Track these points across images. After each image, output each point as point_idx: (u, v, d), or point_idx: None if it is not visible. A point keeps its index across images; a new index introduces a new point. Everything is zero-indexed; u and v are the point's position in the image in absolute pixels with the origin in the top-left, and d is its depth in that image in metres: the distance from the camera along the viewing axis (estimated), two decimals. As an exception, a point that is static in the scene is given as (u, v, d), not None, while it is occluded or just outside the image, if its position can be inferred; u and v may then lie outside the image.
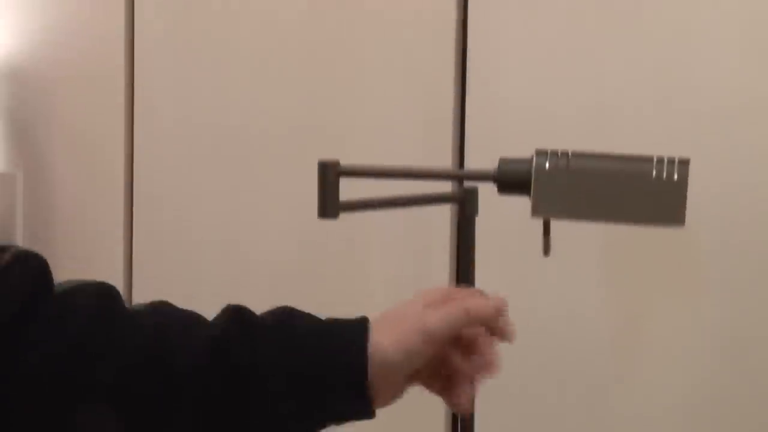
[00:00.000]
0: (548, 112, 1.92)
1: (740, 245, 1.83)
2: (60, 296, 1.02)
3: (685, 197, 1.14)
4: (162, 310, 1.05)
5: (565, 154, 1.24)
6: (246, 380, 1.00)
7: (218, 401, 1.01)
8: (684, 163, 1.14)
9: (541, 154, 1.28)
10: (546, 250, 1.25)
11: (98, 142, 2.24)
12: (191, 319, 1.05)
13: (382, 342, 1.01)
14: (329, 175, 1.35)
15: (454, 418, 1.93)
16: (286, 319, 1.04)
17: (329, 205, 1.36)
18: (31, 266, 1.03)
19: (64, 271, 2.33)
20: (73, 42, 2.24)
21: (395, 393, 1.04)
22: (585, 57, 1.91)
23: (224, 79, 2.16)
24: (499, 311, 1.04)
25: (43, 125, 2.27)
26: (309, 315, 1.05)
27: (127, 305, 1.05)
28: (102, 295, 1.04)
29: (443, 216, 1.94)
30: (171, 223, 2.20)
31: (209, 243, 2.17)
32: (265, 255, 2.13)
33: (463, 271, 1.48)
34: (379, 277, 2.03)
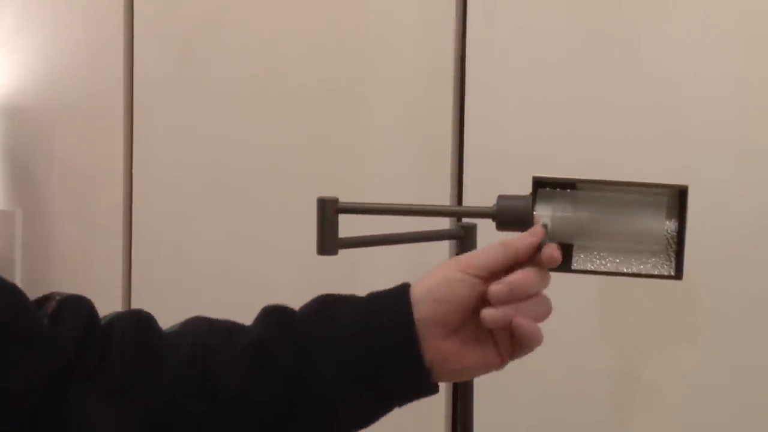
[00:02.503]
0: (546, 153, 1.93)
1: (739, 290, 1.83)
2: (102, 336, 1.02)
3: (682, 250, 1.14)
4: (197, 329, 1.04)
5: (564, 192, 1.24)
6: (297, 385, 0.99)
7: (272, 410, 0.99)
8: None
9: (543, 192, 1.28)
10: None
11: (97, 180, 2.25)
12: (228, 330, 1.04)
13: (426, 284, 1.00)
14: (328, 211, 1.35)
15: (454, 419, 1.92)
16: (325, 312, 1.03)
17: (328, 242, 1.36)
18: (81, 311, 1.04)
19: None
20: (72, 81, 2.26)
21: (455, 353, 1.01)
22: (582, 96, 1.92)
23: (223, 117, 2.16)
24: (536, 237, 1.03)
25: (42, 163, 2.28)
26: (346, 301, 1.04)
27: (161, 329, 1.05)
28: (139, 329, 1.03)
29: (442, 253, 1.95)
30: (170, 260, 2.21)
31: (209, 280, 2.17)
32: (264, 293, 2.13)
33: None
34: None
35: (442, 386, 1.93)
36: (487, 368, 1.05)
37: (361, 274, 2.03)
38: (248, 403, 0.99)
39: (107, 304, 2.21)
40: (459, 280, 1.01)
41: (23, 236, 2.29)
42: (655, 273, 1.15)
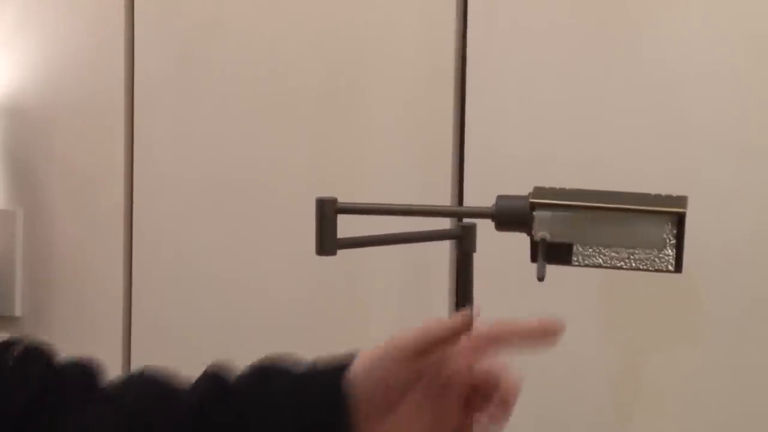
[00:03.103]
0: (546, 153, 1.93)
1: (740, 287, 1.83)
2: (50, 385, 1.05)
3: (682, 242, 1.14)
4: (139, 387, 1.07)
5: (563, 190, 1.25)
6: None
7: None
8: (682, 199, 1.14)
9: (539, 189, 1.28)
10: (541, 275, 1.24)
11: (98, 180, 2.24)
12: (169, 392, 1.05)
13: (362, 363, 1.02)
14: (327, 211, 1.36)
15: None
16: (263, 380, 1.04)
17: (327, 242, 1.36)
18: (42, 357, 1.07)
19: (63, 309, 2.33)
20: (72, 80, 2.25)
21: (399, 428, 1.02)
22: (584, 96, 1.92)
23: (224, 117, 2.16)
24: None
25: (42, 163, 2.27)
26: (287, 371, 1.05)
27: (105, 382, 1.07)
28: (85, 380, 1.07)
29: (442, 253, 1.95)
30: (171, 259, 2.21)
31: (209, 281, 2.17)
32: (264, 293, 2.13)
33: (462, 307, 1.48)
34: (377, 313, 2.02)
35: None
36: None
37: (361, 275, 2.03)
38: None
39: (107, 304, 2.23)
40: (389, 359, 1.01)
41: (24, 236, 2.28)
42: (656, 267, 1.15)
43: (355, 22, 2.07)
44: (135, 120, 2.23)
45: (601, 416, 1.91)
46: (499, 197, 1.25)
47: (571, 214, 1.17)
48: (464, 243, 1.47)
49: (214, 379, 1.06)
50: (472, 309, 1.06)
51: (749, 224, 1.82)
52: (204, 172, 2.17)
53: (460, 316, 1.04)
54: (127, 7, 2.22)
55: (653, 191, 1.35)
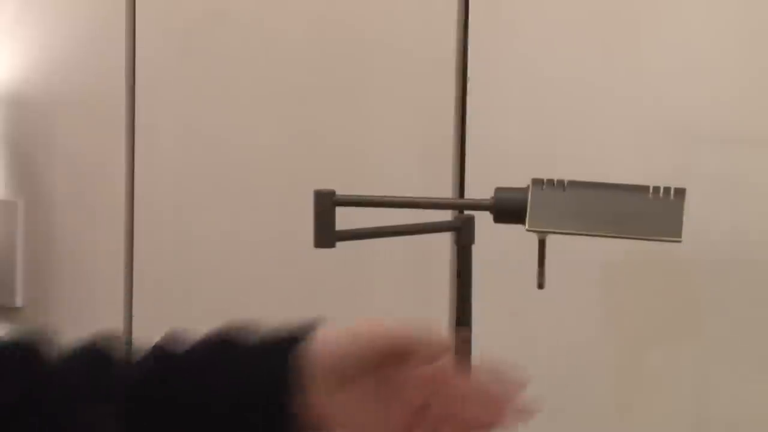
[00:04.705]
0: (547, 146, 1.93)
1: (740, 280, 1.83)
2: None
3: (682, 211, 1.14)
4: (78, 361, 1.03)
5: (561, 181, 1.25)
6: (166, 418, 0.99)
7: None
8: (680, 192, 1.14)
9: (537, 181, 1.28)
10: (540, 283, 1.24)
11: (99, 170, 2.24)
12: (108, 368, 1.03)
13: (321, 344, 0.97)
14: (325, 204, 1.35)
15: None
16: (214, 351, 1.02)
17: (325, 235, 1.36)
18: None
19: (63, 300, 2.33)
20: (74, 71, 2.25)
21: (346, 408, 0.97)
22: (585, 90, 1.91)
23: (225, 108, 2.16)
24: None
25: (44, 153, 2.27)
26: (243, 341, 1.02)
27: (48, 355, 1.03)
28: (24, 353, 1.03)
29: (443, 245, 1.94)
30: (172, 250, 2.21)
31: (209, 272, 2.17)
32: (266, 284, 2.13)
33: (461, 299, 1.48)
34: (377, 306, 2.02)
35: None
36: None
37: (360, 267, 2.03)
38: None
39: (109, 295, 2.23)
40: (358, 346, 0.96)
41: (24, 227, 2.29)
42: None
43: (357, 15, 2.06)
44: (136, 111, 2.22)
45: (602, 409, 1.91)
46: (498, 189, 1.25)
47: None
48: (462, 235, 1.46)
49: (160, 355, 1.03)
50: (468, 334, 1.02)
51: (749, 218, 1.82)
52: (204, 164, 2.17)
53: (452, 341, 0.97)
54: (128, -3, 2.22)
55: (652, 184, 1.35)
